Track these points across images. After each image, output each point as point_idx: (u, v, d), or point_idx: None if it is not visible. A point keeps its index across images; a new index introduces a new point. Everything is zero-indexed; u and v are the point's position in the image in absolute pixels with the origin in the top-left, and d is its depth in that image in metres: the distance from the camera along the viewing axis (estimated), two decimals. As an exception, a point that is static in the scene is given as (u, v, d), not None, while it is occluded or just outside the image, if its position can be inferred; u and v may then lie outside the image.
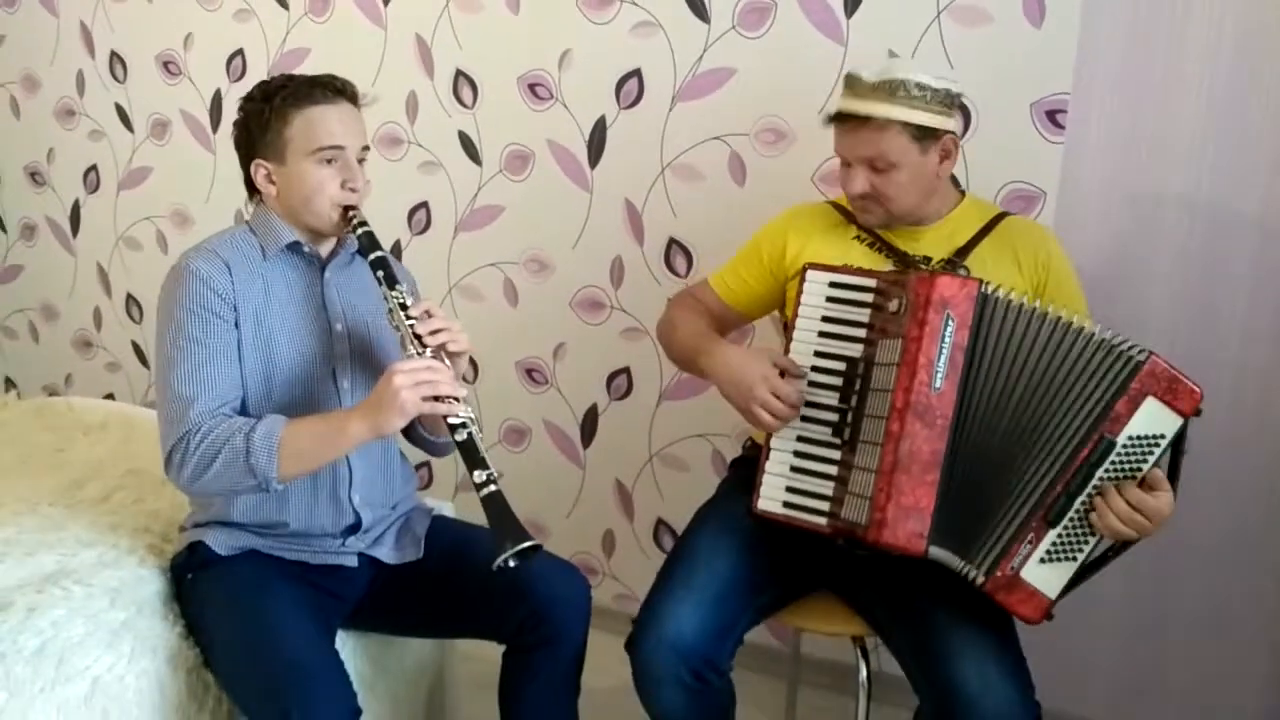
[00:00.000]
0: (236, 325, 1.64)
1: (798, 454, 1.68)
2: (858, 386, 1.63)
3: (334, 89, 1.66)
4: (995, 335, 1.55)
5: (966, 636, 1.55)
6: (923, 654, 1.58)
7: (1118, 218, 2.01)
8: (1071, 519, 1.48)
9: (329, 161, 1.65)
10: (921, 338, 1.54)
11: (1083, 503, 1.48)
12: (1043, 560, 1.49)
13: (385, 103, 2.64)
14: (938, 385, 1.54)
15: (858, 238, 1.81)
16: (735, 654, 1.70)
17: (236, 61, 2.83)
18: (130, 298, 3.22)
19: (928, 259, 1.75)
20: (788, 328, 1.75)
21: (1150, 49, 1.93)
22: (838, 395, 1.65)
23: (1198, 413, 1.45)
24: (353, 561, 1.72)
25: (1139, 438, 1.45)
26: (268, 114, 1.66)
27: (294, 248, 1.71)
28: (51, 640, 1.55)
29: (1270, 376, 1.96)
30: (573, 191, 2.48)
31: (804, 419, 1.67)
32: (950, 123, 1.70)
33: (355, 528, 1.72)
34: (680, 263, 2.40)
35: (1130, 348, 1.47)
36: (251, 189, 1.73)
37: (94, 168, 3.15)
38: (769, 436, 1.70)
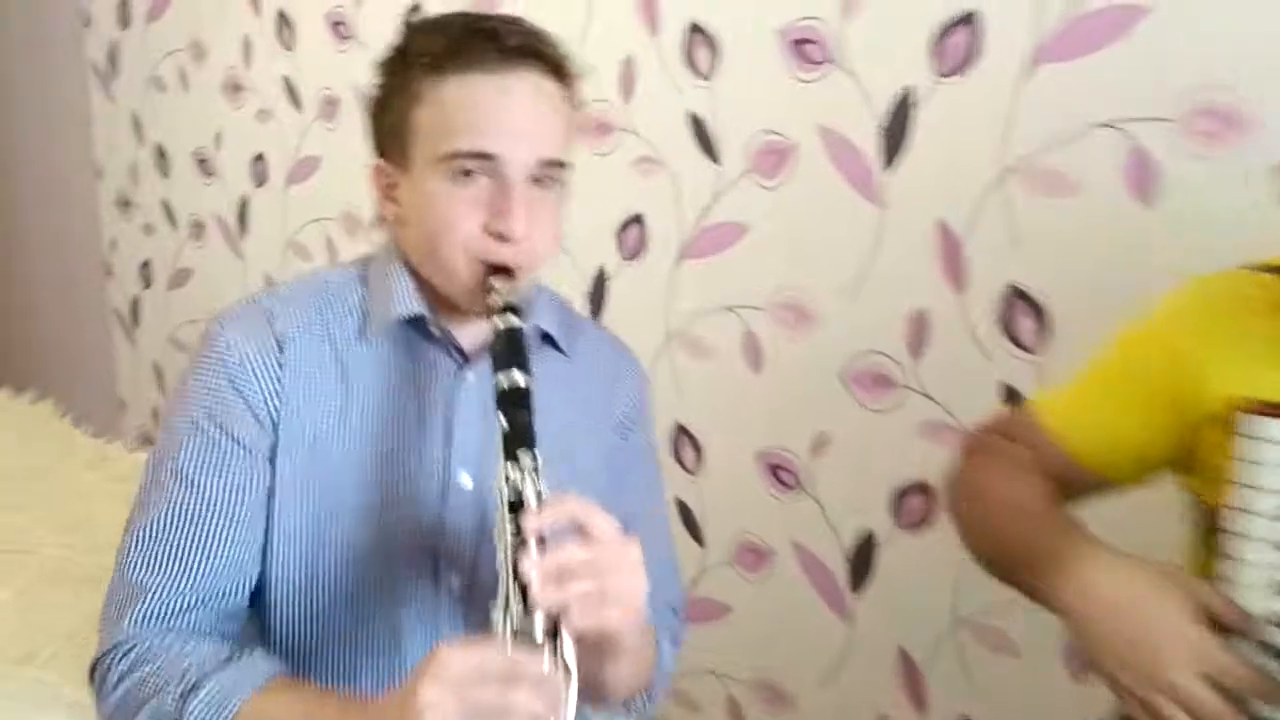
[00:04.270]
0: (271, 459, 0.97)
1: None
2: None
3: (504, 46, 0.93)
4: None
5: None
6: None
7: None
8: None
9: (465, 175, 0.93)
10: None
11: None
12: None
13: (594, 74, 1.87)
14: None
15: None
16: None
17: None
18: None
19: None
20: (1213, 521, 0.90)
21: None
22: None
23: None
24: None
25: None
26: (391, 78, 0.98)
27: (415, 326, 1.01)
28: None
29: None
30: (853, 205, 1.61)
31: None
32: None
33: None
34: (1026, 326, 1.48)
35: None
36: None
37: (261, 156, 2.59)
38: None
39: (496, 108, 0.92)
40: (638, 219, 1.88)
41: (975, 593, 1.59)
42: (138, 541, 0.97)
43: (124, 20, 2.85)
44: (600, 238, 1.93)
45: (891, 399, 1.63)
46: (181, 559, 0.95)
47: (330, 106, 2.36)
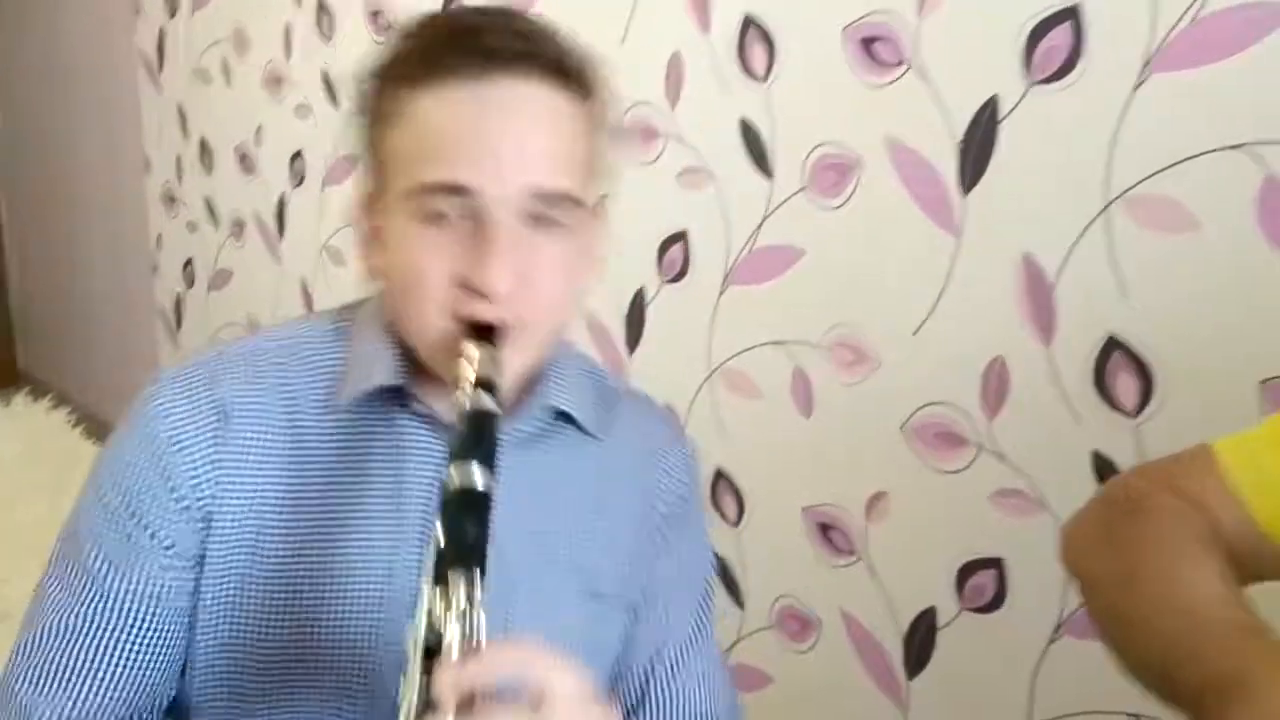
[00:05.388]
0: (199, 561, 0.79)
1: None
2: None
3: (485, 47, 0.71)
4: None
5: None
6: None
7: None
8: None
9: (439, 215, 0.72)
10: None
11: None
12: None
13: (638, 74, 1.67)
14: None
15: None
16: None
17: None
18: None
19: None
20: None
21: None
22: None
23: None
24: None
25: None
26: (368, 90, 0.77)
27: (393, 398, 0.81)
28: None
29: None
30: (925, 232, 1.38)
31: None
32: None
33: None
34: (1126, 384, 1.24)
35: None
36: None
37: (299, 154, 2.45)
38: None
39: (471, 128, 0.71)
40: (681, 236, 1.67)
41: (1057, 693, 1.35)
42: (28, 645, 0.80)
43: (171, 8, 2.74)
44: (640, 255, 1.73)
45: (960, 459, 1.39)
46: (72, 677, 0.78)
47: (367, 103, 2.21)
